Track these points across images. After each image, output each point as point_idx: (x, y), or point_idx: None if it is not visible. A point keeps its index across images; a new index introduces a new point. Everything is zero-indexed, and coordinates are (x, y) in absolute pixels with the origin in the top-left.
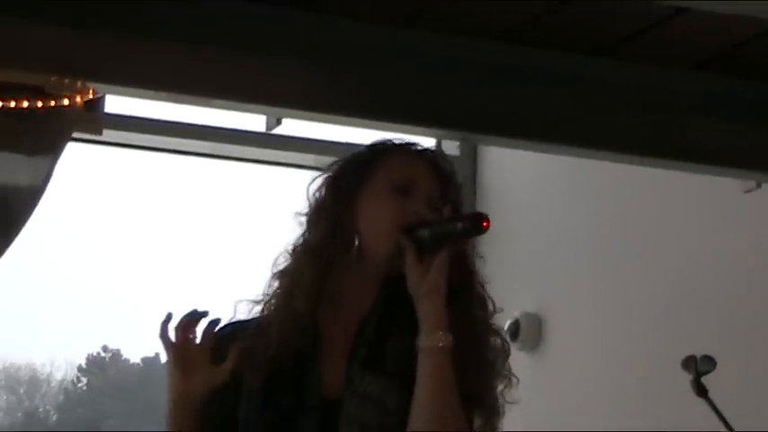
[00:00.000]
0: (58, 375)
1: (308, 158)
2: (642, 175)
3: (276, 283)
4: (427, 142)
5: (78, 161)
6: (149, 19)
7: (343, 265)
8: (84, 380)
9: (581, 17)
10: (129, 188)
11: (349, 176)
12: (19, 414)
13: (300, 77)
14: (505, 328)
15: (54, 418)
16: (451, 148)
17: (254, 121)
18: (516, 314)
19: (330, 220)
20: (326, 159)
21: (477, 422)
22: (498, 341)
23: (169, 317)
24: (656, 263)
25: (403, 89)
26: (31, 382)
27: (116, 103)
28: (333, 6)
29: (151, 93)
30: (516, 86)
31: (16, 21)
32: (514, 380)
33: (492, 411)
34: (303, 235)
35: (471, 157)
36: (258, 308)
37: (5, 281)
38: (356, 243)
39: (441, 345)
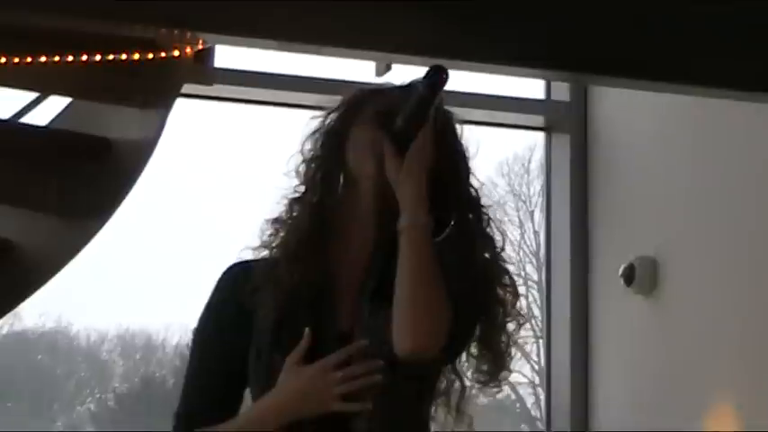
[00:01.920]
0: (173, 340)
1: None
2: (764, 117)
3: (278, 228)
4: (537, 85)
5: (188, 117)
6: None
7: (342, 206)
8: None
9: None
10: (240, 144)
11: (339, 121)
12: (136, 380)
13: (409, 22)
14: (620, 272)
15: (171, 382)
16: (562, 90)
17: (363, 70)
18: (631, 258)
19: (320, 165)
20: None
21: (484, 365)
22: (498, 249)
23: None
24: None
25: (511, 32)
26: (147, 347)
27: (224, 58)
28: None
29: (261, 41)
30: (626, 26)
31: None
32: (522, 319)
33: (497, 350)
34: (297, 185)
35: (582, 99)
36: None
37: (116, 243)
38: (341, 181)
39: (421, 222)
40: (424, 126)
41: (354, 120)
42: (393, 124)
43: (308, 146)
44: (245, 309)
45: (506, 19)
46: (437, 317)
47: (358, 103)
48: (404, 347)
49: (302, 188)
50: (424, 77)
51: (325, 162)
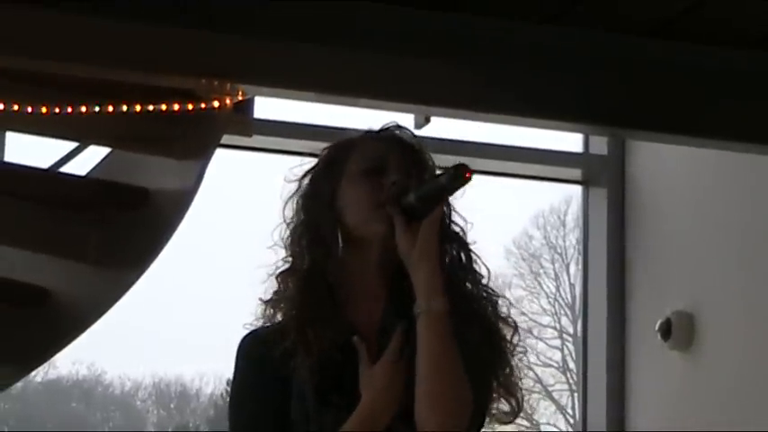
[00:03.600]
0: (208, 390)
1: (455, 161)
2: None
3: (285, 287)
4: (575, 138)
5: (227, 167)
6: (297, 21)
7: (345, 263)
8: None
9: (729, 9)
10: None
11: (322, 181)
12: (170, 429)
13: (448, 76)
14: (656, 327)
15: (204, 431)
16: (600, 144)
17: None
18: (668, 313)
19: (315, 230)
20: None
21: (500, 405)
22: (500, 305)
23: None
24: None
25: (550, 86)
26: (181, 396)
27: (264, 109)
28: (476, 6)
29: (300, 93)
30: (665, 81)
31: (169, 26)
32: (527, 350)
33: (513, 390)
34: (289, 255)
35: (620, 153)
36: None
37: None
38: (340, 244)
39: (437, 309)
40: (436, 208)
41: (340, 176)
42: (403, 196)
43: (292, 211)
44: (279, 375)
45: (545, 73)
46: (458, 399)
47: (337, 161)
48: (429, 429)
49: (293, 257)
50: (450, 171)
51: (320, 223)
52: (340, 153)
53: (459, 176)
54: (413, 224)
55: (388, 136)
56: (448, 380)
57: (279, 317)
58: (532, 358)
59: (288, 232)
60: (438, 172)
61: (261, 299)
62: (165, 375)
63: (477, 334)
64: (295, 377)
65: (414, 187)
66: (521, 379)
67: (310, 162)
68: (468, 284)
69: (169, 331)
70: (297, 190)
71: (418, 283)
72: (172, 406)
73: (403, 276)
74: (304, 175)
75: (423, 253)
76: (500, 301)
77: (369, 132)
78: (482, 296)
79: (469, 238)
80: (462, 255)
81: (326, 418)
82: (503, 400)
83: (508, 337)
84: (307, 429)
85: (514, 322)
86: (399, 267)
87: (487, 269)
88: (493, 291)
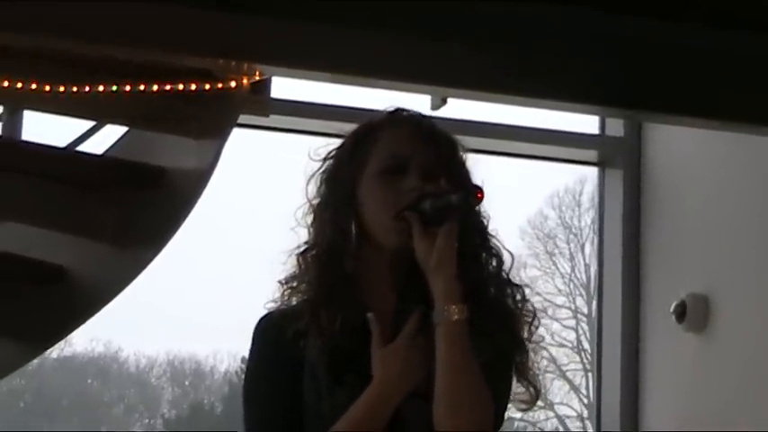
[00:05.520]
0: (222, 367)
1: (471, 141)
2: None
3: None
4: (591, 119)
5: (245, 146)
6: (314, 1)
7: (361, 252)
8: None
9: None
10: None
11: (344, 168)
12: (185, 406)
13: (465, 58)
14: (671, 309)
15: (219, 409)
16: (616, 126)
17: (419, 102)
18: (683, 295)
19: (333, 215)
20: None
21: (523, 395)
22: (519, 295)
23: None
24: None
25: (567, 68)
26: (196, 374)
27: (281, 89)
28: None
29: (316, 74)
30: (681, 64)
31: (187, 6)
32: (543, 337)
33: (525, 368)
34: (309, 236)
35: (636, 135)
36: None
37: (167, 269)
38: (354, 233)
39: (455, 318)
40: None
41: (363, 168)
42: (421, 202)
43: (315, 191)
44: (292, 356)
45: (561, 56)
46: (477, 407)
47: (360, 152)
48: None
49: (314, 238)
50: (462, 191)
51: (339, 211)
52: (364, 144)
53: (470, 197)
54: (431, 230)
55: (414, 128)
56: (467, 389)
57: (294, 300)
58: (547, 338)
59: (309, 211)
60: (465, 169)
61: (279, 281)
62: (179, 353)
63: (497, 326)
64: (308, 357)
65: (430, 195)
66: (540, 370)
67: (335, 143)
68: (488, 272)
69: (184, 309)
70: (319, 170)
71: (436, 290)
72: (186, 383)
73: (419, 266)
74: (327, 157)
75: (440, 260)
76: (519, 291)
77: (395, 117)
78: (500, 283)
79: (486, 216)
80: (485, 253)
81: (339, 396)
82: (522, 389)
83: (527, 326)
84: (319, 408)
85: (535, 312)
86: (415, 257)
87: (511, 255)
88: (512, 279)
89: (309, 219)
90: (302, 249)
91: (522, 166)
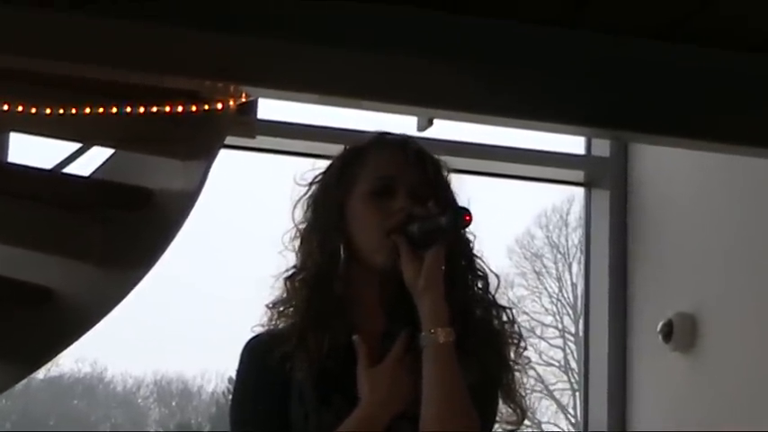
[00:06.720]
0: (209, 387)
1: (458, 162)
2: None
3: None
4: (578, 141)
5: (232, 167)
6: (301, 23)
7: (350, 273)
8: None
9: (734, 13)
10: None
11: (332, 192)
12: (171, 426)
13: (452, 78)
14: (658, 328)
15: (206, 429)
16: (602, 146)
17: (405, 124)
18: (670, 314)
19: (321, 239)
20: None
21: (505, 410)
22: (506, 317)
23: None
24: None
25: (553, 89)
26: (183, 394)
27: (267, 110)
28: (480, 8)
29: (303, 95)
30: (668, 84)
31: (172, 27)
32: (530, 359)
33: (511, 390)
34: (297, 260)
35: (623, 155)
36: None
37: (154, 291)
38: (342, 256)
39: (442, 341)
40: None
41: (351, 191)
42: (409, 224)
43: (302, 214)
44: (279, 378)
45: (547, 76)
46: (464, 428)
47: (348, 174)
48: None
49: (302, 262)
50: (451, 214)
51: (327, 234)
52: (351, 167)
53: (459, 220)
54: (418, 253)
55: (400, 150)
56: (454, 410)
57: (282, 323)
58: (534, 357)
59: (296, 236)
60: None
61: (266, 305)
62: (166, 373)
63: (484, 348)
64: (295, 378)
65: (418, 218)
66: (526, 391)
67: (321, 166)
68: (474, 294)
69: (170, 329)
70: (306, 193)
71: (423, 313)
72: (173, 403)
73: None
74: (314, 181)
75: (428, 283)
76: (506, 312)
77: (382, 139)
78: (487, 305)
79: (472, 237)
80: (471, 275)
81: (325, 417)
82: (508, 410)
83: (513, 348)
84: (306, 430)
85: (521, 333)
86: (403, 278)
87: (497, 276)
88: (498, 302)
89: (297, 243)
90: (290, 273)
91: (510, 186)
